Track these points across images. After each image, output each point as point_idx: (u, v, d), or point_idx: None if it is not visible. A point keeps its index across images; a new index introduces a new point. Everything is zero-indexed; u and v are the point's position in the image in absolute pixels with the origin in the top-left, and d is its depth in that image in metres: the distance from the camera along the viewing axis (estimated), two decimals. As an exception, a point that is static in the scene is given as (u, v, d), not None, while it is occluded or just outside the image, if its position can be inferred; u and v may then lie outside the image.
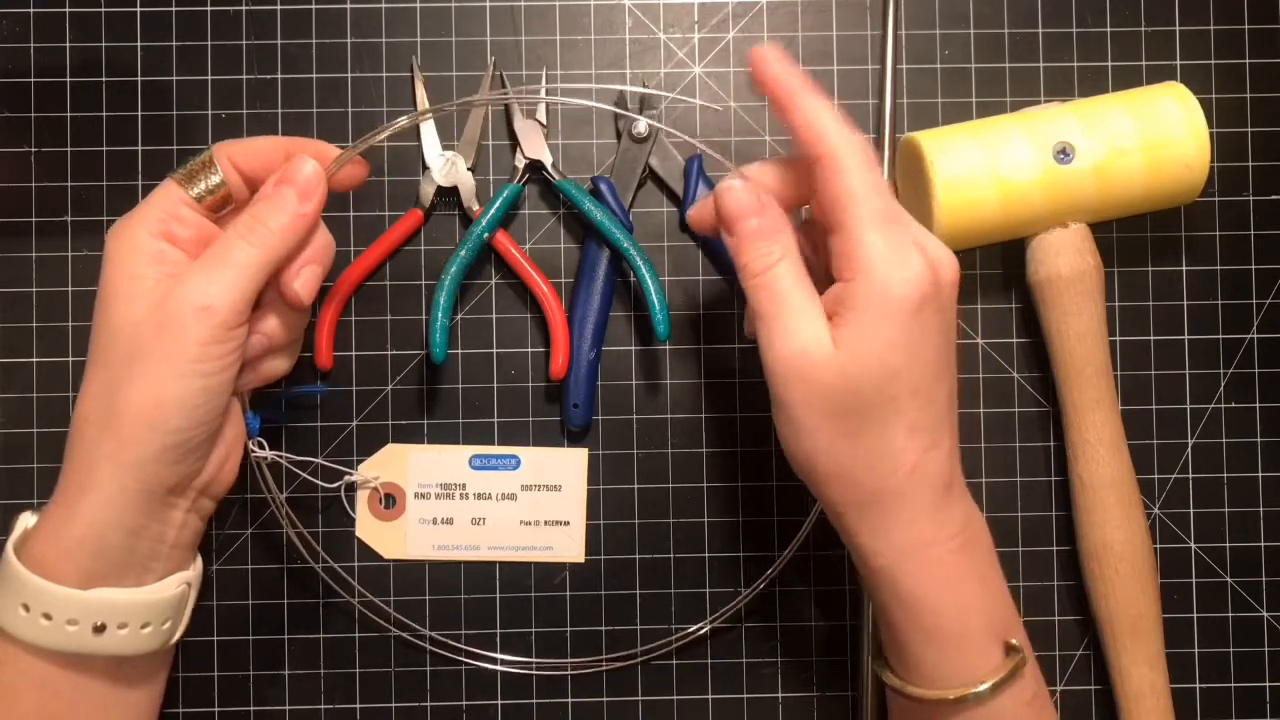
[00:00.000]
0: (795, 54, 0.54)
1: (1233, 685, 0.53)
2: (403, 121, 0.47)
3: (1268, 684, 0.53)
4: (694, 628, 0.53)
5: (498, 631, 0.53)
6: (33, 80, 0.53)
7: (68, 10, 0.53)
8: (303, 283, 0.44)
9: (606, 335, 0.53)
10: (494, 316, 0.53)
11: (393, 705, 0.53)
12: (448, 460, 0.53)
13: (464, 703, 0.53)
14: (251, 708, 0.52)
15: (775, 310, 0.41)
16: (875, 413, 0.40)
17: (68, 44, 0.53)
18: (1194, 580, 0.53)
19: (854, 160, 0.41)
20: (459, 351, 0.53)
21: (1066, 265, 0.50)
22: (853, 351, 0.40)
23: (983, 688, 0.41)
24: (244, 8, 0.53)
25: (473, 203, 0.53)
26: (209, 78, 0.53)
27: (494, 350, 0.53)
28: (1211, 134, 0.49)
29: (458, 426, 0.53)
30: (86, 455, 0.41)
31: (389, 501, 0.53)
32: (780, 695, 0.53)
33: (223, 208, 0.44)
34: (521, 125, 0.53)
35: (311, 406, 0.53)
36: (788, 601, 0.53)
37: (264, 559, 0.53)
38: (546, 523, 0.53)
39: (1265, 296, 0.54)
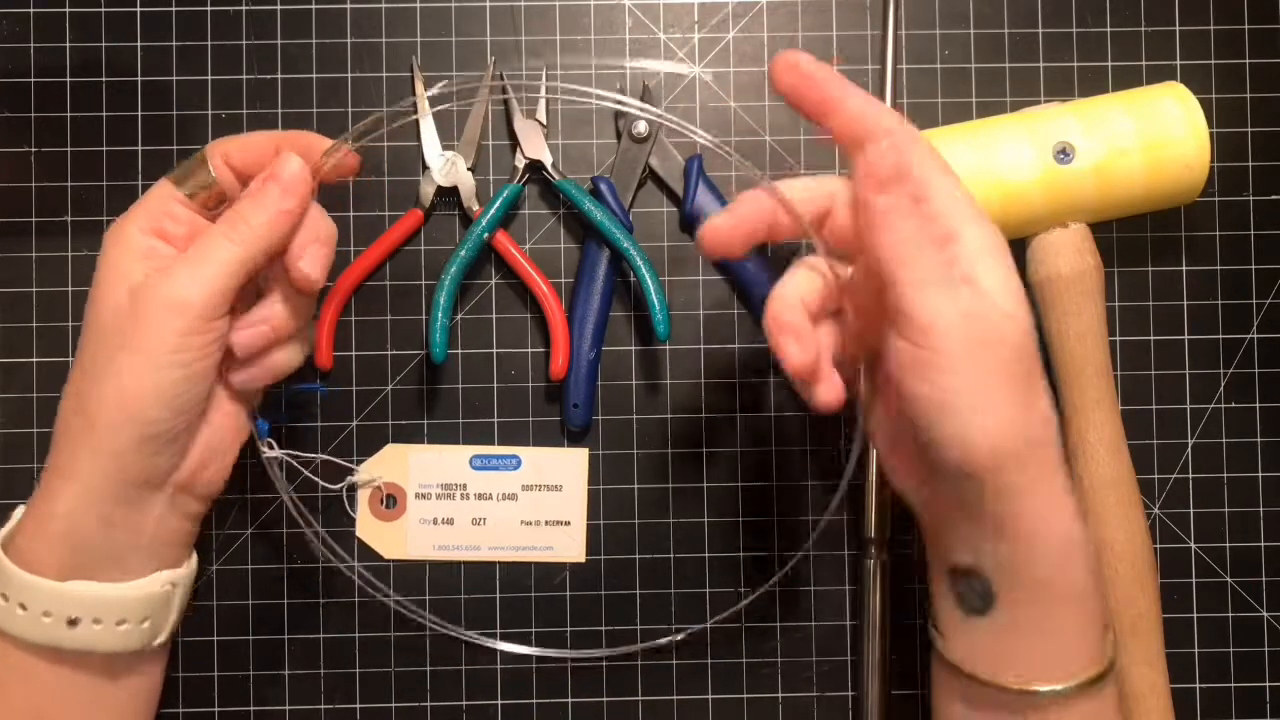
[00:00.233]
0: (795, 54, 0.54)
1: (1233, 685, 0.53)
2: (380, 114, 0.47)
3: (1268, 684, 0.53)
4: (694, 627, 0.53)
5: (497, 631, 0.53)
6: (33, 80, 0.53)
7: (68, 10, 0.53)
8: (309, 262, 0.43)
9: (606, 335, 0.53)
10: (494, 316, 0.53)
11: (393, 705, 0.53)
12: (448, 460, 0.53)
13: (464, 703, 0.53)
14: (251, 708, 0.52)
15: (932, 274, 0.39)
16: (1035, 367, 0.39)
17: (68, 44, 0.53)
18: (1194, 580, 0.53)
19: (908, 135, 0.41)
20: (459, 351, 0.53)
21: (1066, 265, 0.50)
22: (1004, 294, 0.39)
23: (1106, 665, 0.40)
24: (244, 8, 0.53)
25: (473, 203, 0.53)
26: (209, 78, 0.53)
27: (494, 350, 0.53)
28: (1211, 134, 0.49)
29: (458, 426, 0.53)
30: (65, 447, 0.42)
31: (390, 502, 0.53)
32: (780, 695, 0.53)
33: (218, 205, 0.44)
34: (521, 125, 0.53)
35: (312, 406, 0.53)
36: (788, 601, 0.53)
37: (264, 559, 0.53)
38: (547, 523, 0.53)
39: (1265, 296, 0.54)
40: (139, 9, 0.53)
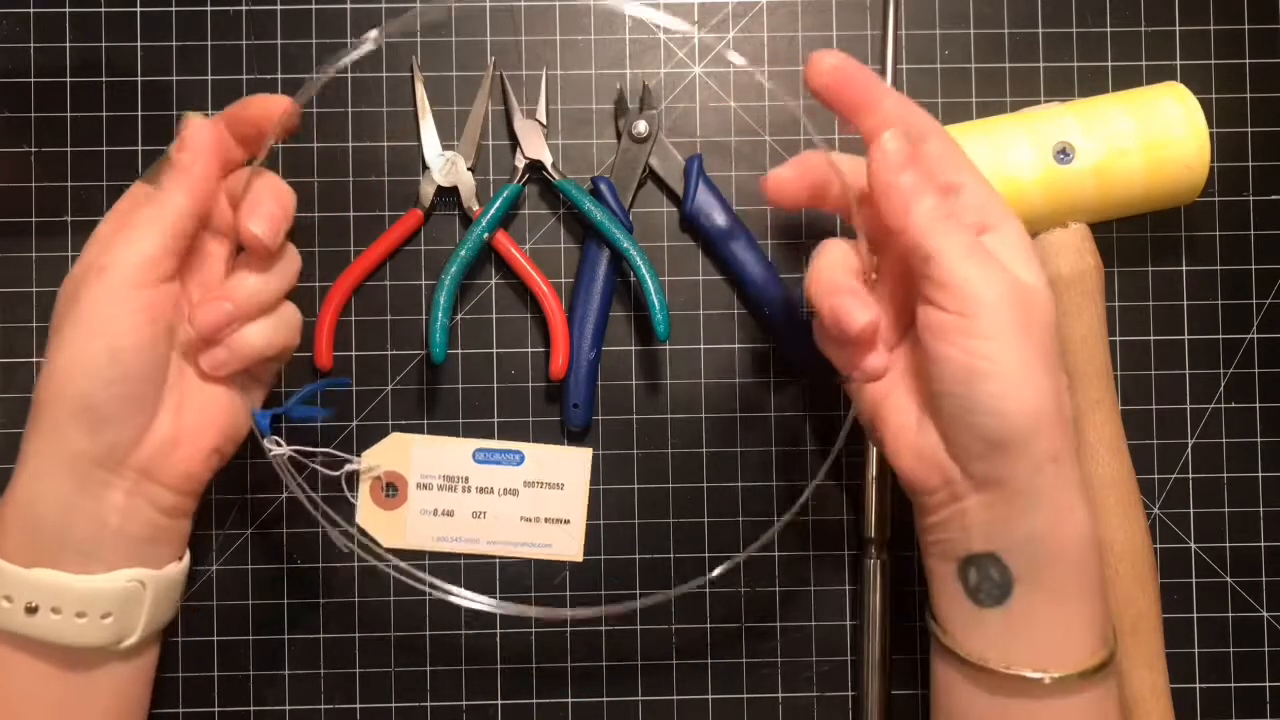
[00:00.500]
0: (795, 54, 0.54)
1: (1233, 685, 0.53)
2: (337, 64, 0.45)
3: (1268, 684, 0.53)
4: (694, 626, 0.53)
5: (497, 631, 0.53)
6: (33, 80, 0.53)
7: (68, 10, 0.53)
8: (258, 221, 0.43)
9: (606, 335, 0.53)
10: (494, 316, 0.53)
11: (393, 705, 0.53)
12: (451, 452, 0.53)
13: (464, 703, 0.53)
14: (251, 708, 0.52)
15: (975, 246, 0.40)
16: (1055, 344, 0.41)
17: (68, 44, 0.53)
18: (1194, 580, 0.53)
19: (942, 132, 0.43)
20: (459, 351, 0.53)
21: (1066, 265, 0.50)
22: (1034, 274, 0.41)
23: (1109, 652, 0.41)
24: (244, 8, 0.53)
25: (473, 203, 0.53)
26: (209, 78, 0.53)
27: (494, 350, 0.53)
28: (1211, 134, 0.49)
29: (458, 426, 0.53)
30: (27, 431, 0.42)
31: (391, 490, 0.53)
32: (780, 695, 0.53)
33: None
34: (521, 125, 0.53)
35: (311, 406, 0.53)
36: (788, 601, 0.53)
37: (264, 559, 0.53)
38: (547, 520, 0.53)
39: (1265, 296, 0.54)
40: (139, 9, 0.53)
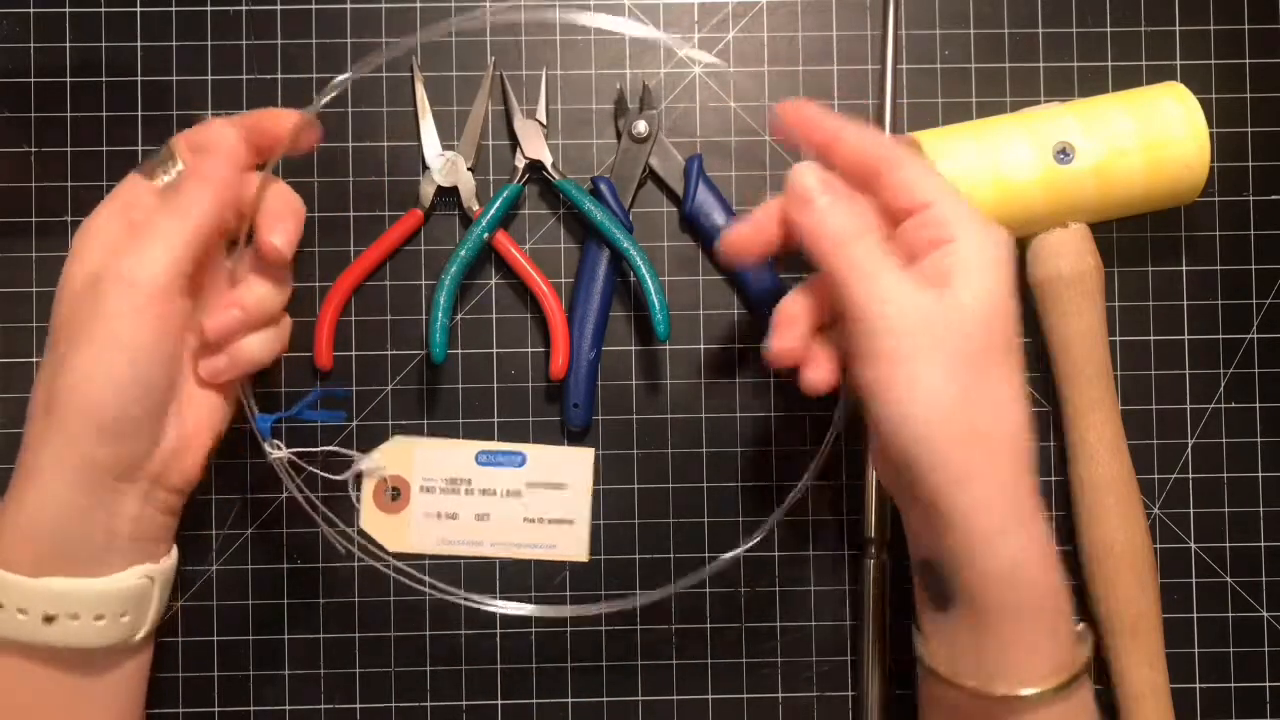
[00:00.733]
0: (795, 54, 0.54)
1: (1233, 685, 0.53)
2: (344, 79, 0.46)
3: (1268, 684, 0.53)
4: (695, 626, 0.53)
5: (497, 631, 0.53)
6: (33, 80, 0.53)
7: (68, 10, 0.53)
8: (279, 235, 0.43)
9: (606, 335, 0.53)
10: (494, 316, 0.53)
11: (393, 705, 0.53)
12: (454, 455, 0.53)
13: (464, 703, 0.53)
14: (251, 708, 0.52)
15: (881, 267, 0.40)
16: (998, 359, 0.40)
17: (68, 44, 0.53)
18: (1194, 580, 0.53)
19: (916, 156, 0.43)
20: (459, 351, 0.53)
21: (1066, 265, 0.50)
22: (973, 297, 0.40)
23: (1069, 675, 0.41)
24: (244, 8, 0.53)
25: (473, 203, 0.53)
26: (209, 78, 0.53)
27: (494, 350, 0.53)
28: (1211, 134, 0.49)
29: (458, 426, 0.53)
30: (32, 441, 0.41)
31: (394, 494, 0.53)
32: (780, 695, 0.53)
33: None
34: (521, 125, 0.53)
35: (311, 406, 0.53)
36: (788, 601, 0.53)
37: (264, 559, 0.53)
38: (550, 521, 0.53)
39: (1265, 296, 0.54)
40: (139, 9, 0.53)
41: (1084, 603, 0.52)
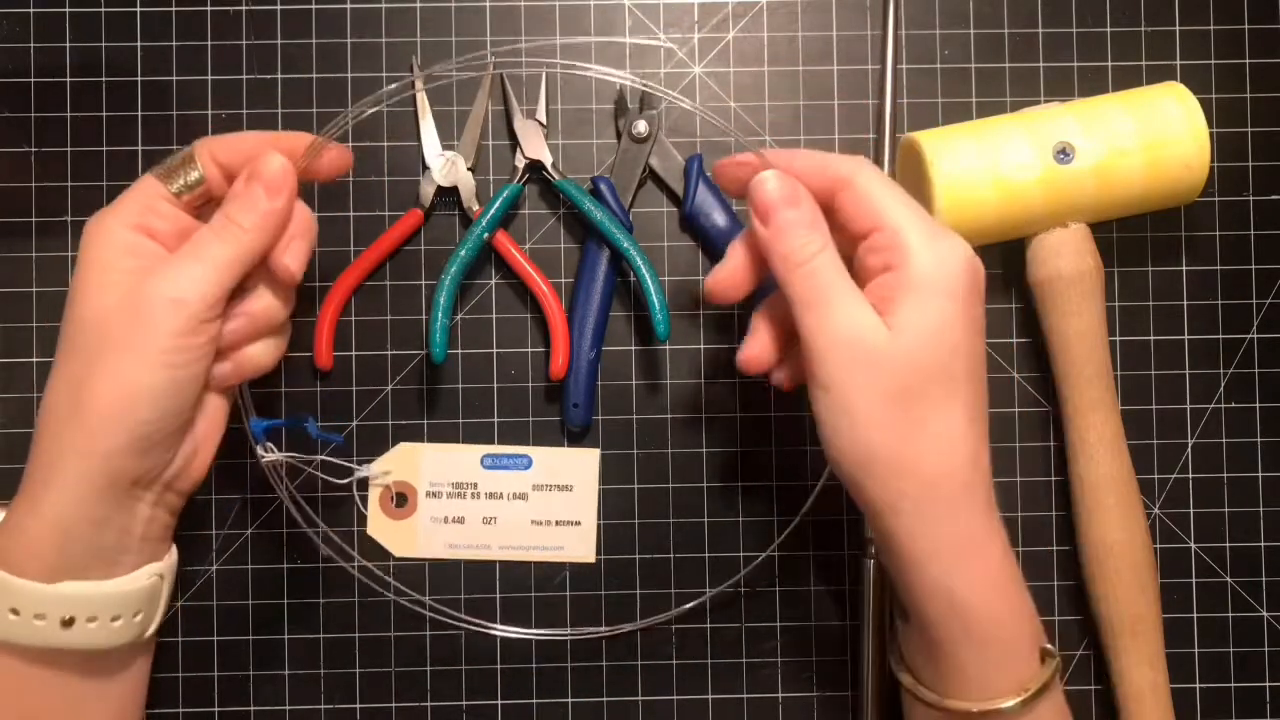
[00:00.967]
0: (795, 54, 0.54)
1: (1233, 685, 0.53)
2: (366, 102, 0.47)
3: (1268, 684, 0.53)
4: (694, 626, 0.53)
5: (497, 631, 0.53)
6: (33, 80, 0.53)
7: (68, 10, 0.53)
8: (292, 257, 0.44)
9: (606, 335, 0.53)
10: (494, 316, 0.53)
11: (393, 705, 0.53)
12: (459, 459, 0.53)
13: (464, 703, 0.53)
14: (251, 708, 0.52)
15: (825, 295, 0.41)
16: (938, 393, 0.40)
17: (68, 44, 0.53)
18: (1194, 580, 0.53)
19: (871, 174, 0.42)
20: (459, 351, 0.53)
21: (1066, 265, 0.50)
22: (913, 330, 0.40)
23: (1027, 694, 0.41)
24: (244, 8, 0.53)
25: (473, 203, 0.53)
26: (209, 78, 0.53)
27: (494, 350, 0.53)
28: (1211, 134, 0.49)
29: (458, 426, 0.53)
30: (51, 448, 0.41)
31: (400, 500, 0.53)
32: (780, 695, 0.53)
33: (204, 203, 0.44)
34: (521, 125, 0.53)
35: (312, 406, 0.53)
36: (788, 601, 0.53)
37: (264, 559, 0.53)
38: (558, 523, 0.53)
39: (1265, 296, 0.54)
40: (139, 9, 0.53)
41: (1084, 603, 0.52)
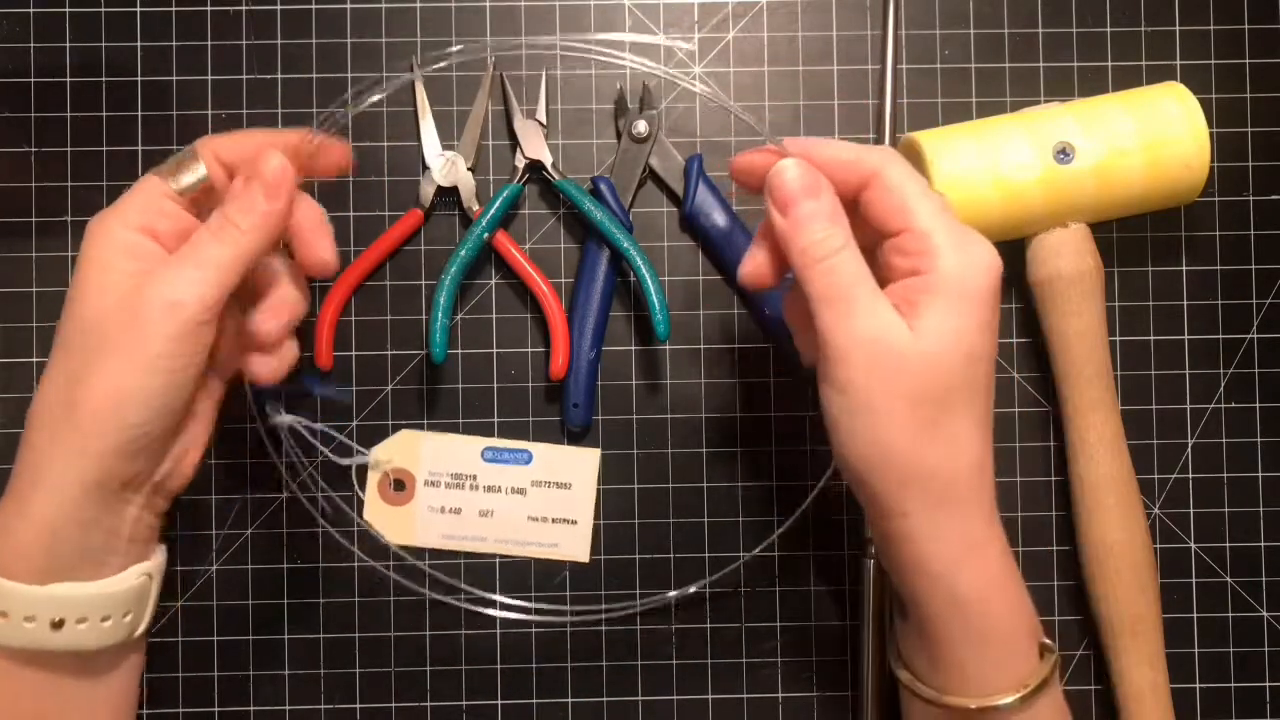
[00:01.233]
0: (795, 54, 0.54)
1: (1233, 685, 0.53)
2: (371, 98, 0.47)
3: (1268, 684, 0.53)
4: (694, 626, 0.53)
5: (497, 631, 0.53)
6: (33, 80, 0.53)
7: (68, 10, 0.53)
8: (324, 247, 0.45)
9: (606, 335, 0.53)
10: (494, 316, 0.53)
11: (393, 705, 0.53)
12: (460, 450, 0.53)
13: (464, 703, 0.53)
14: (251, 708, 0.52)
15: (846, 294, 0.39)
16: (957, 400, 0.39)
17: (68, 44, 0.53)
18: (1194, 580, 0.53)
19: (901, 169, 0.41)
20: (459, 351, 0.53)
21: (1066, 265, 0.50)
22: (938, 335, 0.39)
23: (1026, 690, 0.41)
24: (244, 8, 0.53)
25: (473, 203, 0.53)
26: (209, 78, 0.53)
27: (494, 350, 0.53)
28: (1211, 134, 0.49)
29: (458, 426, 0.53)
30: (42, 448, 0.41)
31: (398, 486, 0.53)
32: (780, 695, 0.53)
33: (208, 202, 0.44)
34: (521, 125, 0.53)
35: (311, 406, 0.53)
36: (788, 601, 0.53)
37: (264, 559, 0.53)
38: (554, 520, 0.53)
39: (1265, 296, 0.54)
40: (139, 9, 0.53)
41: (1084, 603, 0.52)
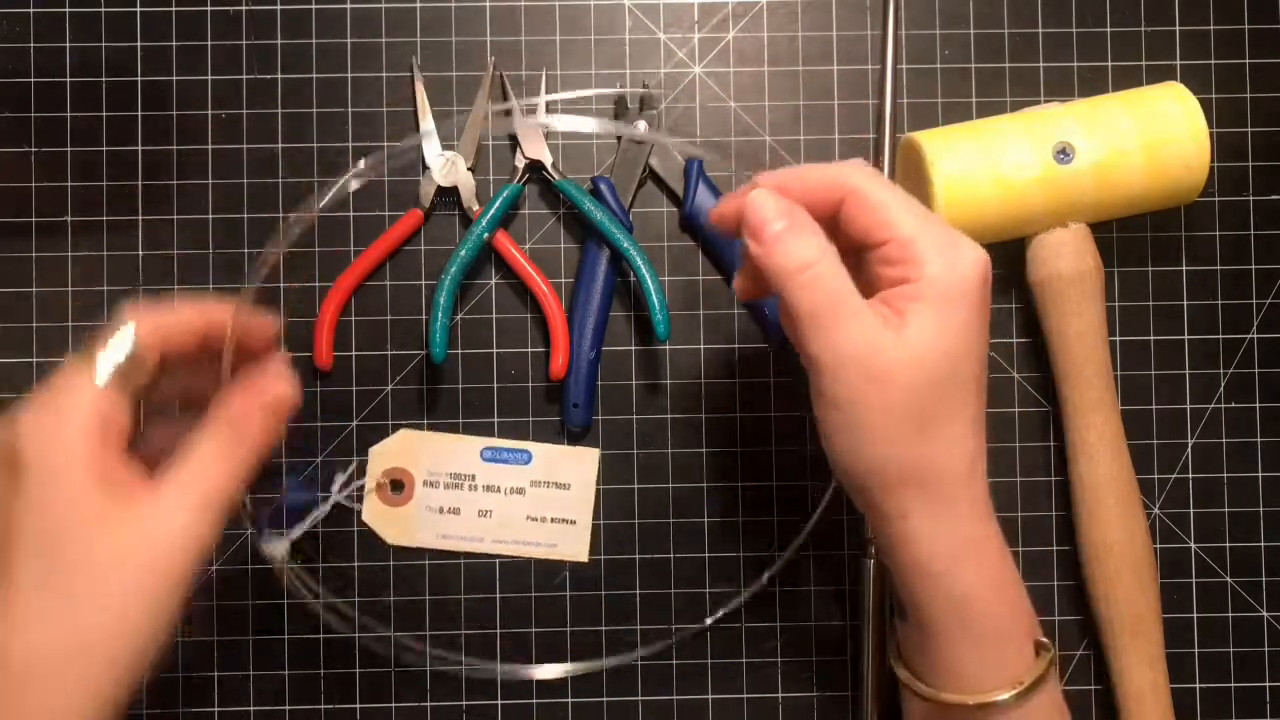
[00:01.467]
0: (795, 54, 0.54)
1: (1233, 685, 0.53)
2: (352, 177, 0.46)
3: (1268, 684, 0.53)
4: (694, 626, 0.53)
5: (498, 631, 0.53)
6: (33, 80, 0.53)
7: (68, 10, 0.53)
8: (287, 388, 0.41)
9: (606, 335, 0.53)
10: (494, 316, 0.53)
11: (393, 705, 0.53)
12: (459, 450, 0.53)
13: (464, 703, 0.53)
14: (251, 708, 0.52)
15: (829, 308, 0.39)
16: (949, 402, 0.39)
17: (68, 44, 0.53)
18: (1194, 580, 0.53)
19: (877, 181, 0.41)
20: (459, 351, 0.53)
21: (1066, 265, 0.50)
22: (927, 340, 0.39)
23: (1022, 687, 0.41)
24: (244, 8, 0.53)
25: (473, 203, 0.53)
26: (209, 78, 0.53)
27: (494, 350, 0.53)
28: (1211, 134, 0.49)
29: (458, 426, 0.53)
30: (48, 695, 0.36)
31: (397, 486, 0.53)
32: (780, 695, 0.53)
33: (145, 392, 0.39)
34: (522, 125, 0.53)
35: (312, 406, 0.53)
36: (788, 601, 0.53)
37: (264, 559, 0.52)
38: (553, 520, 0.53)
39: (1265, 296, 0.54)
40: (139, 9, 0.53)
41: (1084, 603, 0.52)
